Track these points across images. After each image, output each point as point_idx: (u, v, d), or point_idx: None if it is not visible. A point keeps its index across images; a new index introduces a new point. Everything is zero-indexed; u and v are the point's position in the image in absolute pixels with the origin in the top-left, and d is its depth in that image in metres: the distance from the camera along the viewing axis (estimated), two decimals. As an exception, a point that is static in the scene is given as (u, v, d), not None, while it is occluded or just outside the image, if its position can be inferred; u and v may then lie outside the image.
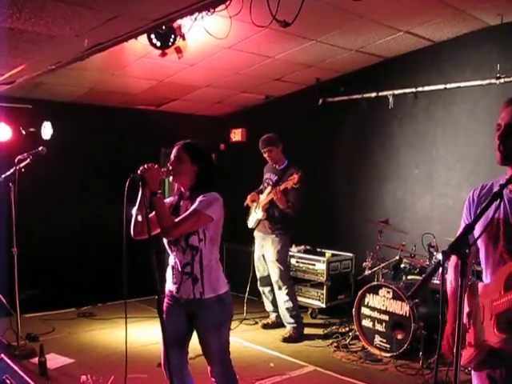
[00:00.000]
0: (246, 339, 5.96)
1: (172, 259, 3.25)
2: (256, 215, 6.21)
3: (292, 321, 6.10)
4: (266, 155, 6.21)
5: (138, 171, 2.94)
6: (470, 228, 1.80)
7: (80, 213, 7.10)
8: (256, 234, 6.37)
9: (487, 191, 2.34)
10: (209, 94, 7.55)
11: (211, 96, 7.75)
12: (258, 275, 6.46)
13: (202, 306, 3.16)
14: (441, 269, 2.27)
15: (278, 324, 6.34)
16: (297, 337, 6.02)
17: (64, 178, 6.96)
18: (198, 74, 6.60)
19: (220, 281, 3.23)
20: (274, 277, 6.16)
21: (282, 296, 6.15)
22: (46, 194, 6.79)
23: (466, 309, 2.34)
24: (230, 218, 7.75)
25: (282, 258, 6.17)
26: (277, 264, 6.11)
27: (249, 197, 6.33)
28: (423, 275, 5.51)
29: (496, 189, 2.11)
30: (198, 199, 3.10)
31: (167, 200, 3.31)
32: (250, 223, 6.35)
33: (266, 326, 6.43)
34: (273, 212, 6.06)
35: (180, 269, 3.18)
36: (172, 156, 3.21)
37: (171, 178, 3.20)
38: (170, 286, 3.28)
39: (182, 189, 3.28)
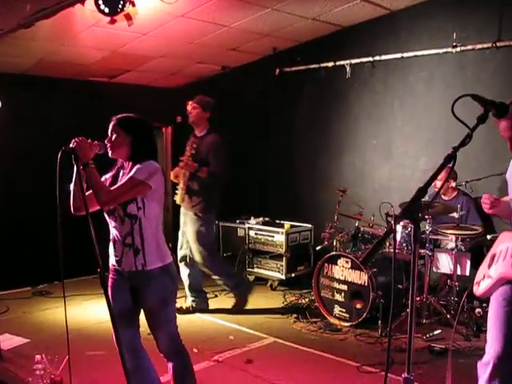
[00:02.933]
0: (205, 312, 5.91)
1: (113, 232, 3.18)
2: (180, 190, 5.82)
3: (234, 291, 5.98)
4: (188, 108, 5.81)
5: (70, 144, 2.92)
6: (422, 192, 1.76)
7: (32, 187, 6.87)
8: (181, 209, 5.93)
9: None
10: (163, 64, 7.36)
11: (166, 67, 7.57)
12: (179, 253, 5.98)
13: (144, 278, 3.09)
14: (394, 240, 2.29)
15: (194, 311, 5.92)
16: (242, 303, 5.90)
17: (12, 153, 6.74)
18: (152, 44, 6.42)
19: (163, 252, 3.15)
20: (197, 259, 5.81)
21: (213, 276, 5.94)
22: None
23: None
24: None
25: (203, 238, 5.76)
26: (196, 245, 5.77)
27: (171, 173, 5.87)
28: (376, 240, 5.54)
29: None
30: (135, 167, 3.06)
31: (106, 176, 3.26)
32: (177, 199, 5.86)
33: (179, 311, 5.65)
34: (192, 184, 5.69)
35: (121, 240, 3.11)
36: (108, 132, 3.20)
37: (110, 153, 3.16)
38: (112, 260, 3.20)
39: (125, 163, 3.23)
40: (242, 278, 6.15)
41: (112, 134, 3.16)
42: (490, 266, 3.02)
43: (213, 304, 6.25)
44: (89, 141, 2.98)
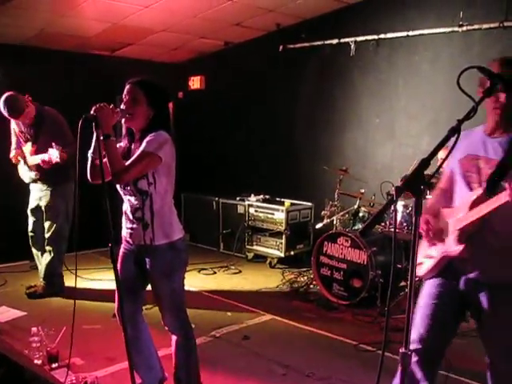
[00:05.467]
0: (203, 289, 5.91)
1: (125, 205, 3.12)
2: (29, 173, 5.44)
3: (46, 280, 5.53)
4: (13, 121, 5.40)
5: (91, 111, 2.76)
6: (425, 164, 1.71)
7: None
8: (32, 185, 5.56)
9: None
10: (166, 38, 7.27)
11: (168, 41, 7.48)
12: (31, 233, 5.66)
13: (152, 253, 3.04)
14: (394, 214, 2.25)
15: (45, 294, 5.50)
16: (43, 295, 5.46)
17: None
18: (154, 17, 6.33)
19: (173, 227, 3.08)
20: (47, 233, 5.47)
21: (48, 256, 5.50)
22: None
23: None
24: (189, 167, 7.68)
25: (56, 210, 5.43)
26: (50, 218, 5.44)
27: (14, 158, 5.49)
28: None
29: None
30: (146, 139, 2.92)
31: (120, 144, 3.14)
32: (26, 179, 5.54)
33: (31, 295, 5.52)
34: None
35: (131, 214, 3.05)
36: (125, 95, 2.99)
37: (124, 121, 2.99)
38: (123, 231, 3.16)
39: (135, 134, 3.09)
40: (60, 278, 5.57)
41: (131, 100, 2.96)
42: (430, 246, 2.81)
43: (210, 281, 6.25)
44: (110, 106, 2.82)
